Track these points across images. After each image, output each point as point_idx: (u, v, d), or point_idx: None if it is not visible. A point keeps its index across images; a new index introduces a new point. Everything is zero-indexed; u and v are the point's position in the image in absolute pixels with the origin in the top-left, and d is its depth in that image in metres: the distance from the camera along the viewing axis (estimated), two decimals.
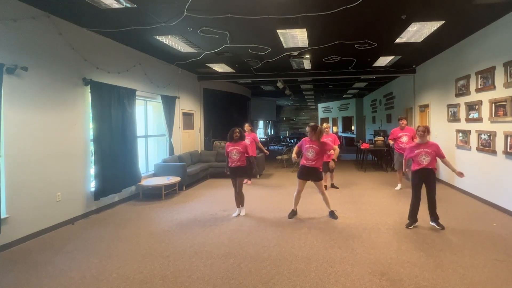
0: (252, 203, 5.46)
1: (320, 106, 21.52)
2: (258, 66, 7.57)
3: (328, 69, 8.14)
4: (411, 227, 4.05)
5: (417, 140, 4.13)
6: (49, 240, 3.85)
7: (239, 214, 4.70)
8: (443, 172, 6.82)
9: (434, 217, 4.02)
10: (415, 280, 2.73)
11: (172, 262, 3.16)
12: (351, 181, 7.32)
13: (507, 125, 4.48)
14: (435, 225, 4.01)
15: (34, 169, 3.92)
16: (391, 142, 6.48)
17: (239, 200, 4.75)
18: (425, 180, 3.99)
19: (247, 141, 6.88)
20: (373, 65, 7.77)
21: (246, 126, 7.18)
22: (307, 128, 4.44)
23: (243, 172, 4.73)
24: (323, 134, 4.57)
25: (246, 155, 4.72)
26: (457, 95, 6.01)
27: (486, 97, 4.99)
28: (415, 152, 3.97)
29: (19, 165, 3.73)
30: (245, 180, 7.00)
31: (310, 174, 4.42)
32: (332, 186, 6.26)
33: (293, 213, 4.60)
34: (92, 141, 4.85)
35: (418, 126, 4.10)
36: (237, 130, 4.71)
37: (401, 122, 6.28)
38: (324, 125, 6.46)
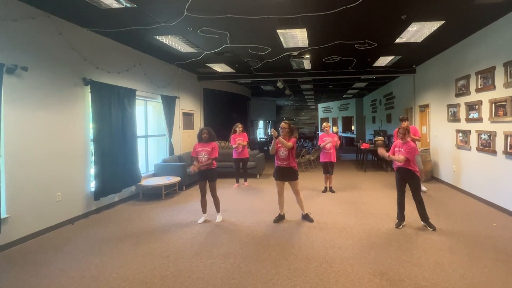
0: (252, 203, 5.46)
1: (320, 106, 21.51)
2: (258, 66, 7.57)
3: (328, 69, 8.14)
4: (400, 227, 4.05)
5: (399, 139, 4.12)
6: (49, 240, 3.85)
7: (205, 220, 4.44)
8: (443, 172, 6.83)
9: (421, 216, 4.02)
10: (415, 280, 2.73)
11: (172, 262, 3.16)
12: (351, 181, 7.31)
13: (507, 125, 4.48)
14: (426, 225, 4.00)
15: (34, 169, 3.92)
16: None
17: (216, 204, 4.49)
18: (404, 179, 4.05)
19: (240, 141, 6.84)
20: (373, 65, 7.77)
21: (239, 127, 6.93)
22: (283, 125, 4.27)
23: (213, 175, 4.44)
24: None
25: (210, 156, 4.36)
26: (457, 95, 6.01)
27: (486, 97, 4.99)
28: (395, 150, 4.09)
29: (19, 165, 3.73)
30: (244, 183, 6.98)
31: (285, 174, 4.28)
32: (330, 189, 6.20)
33: (280, 218, 4.41)
34: (92, 141, 4.85)
35: (399, 128, 4.13)
36: (205, 130, 4.43)
37: (403, 123, 5.77)
38: (324, 124, 6.42)
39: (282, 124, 4.30)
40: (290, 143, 4.13)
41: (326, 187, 6.24)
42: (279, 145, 4.22)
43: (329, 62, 7.29)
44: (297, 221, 4.41)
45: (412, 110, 8.81)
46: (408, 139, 4.08)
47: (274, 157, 4.36)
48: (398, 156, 4.01)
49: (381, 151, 4.17)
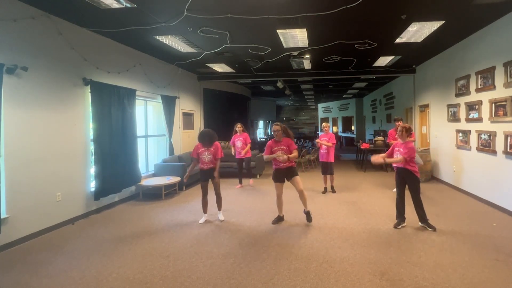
0: (252, 202, 5.46)
1: (320, 106, 21.51)
2: (258, 66, 7.58)
3: (328, 69, 8.14)
4: (399, 227, 4.03)
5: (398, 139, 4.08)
6: (49, 240, 3.85)
7: (206, 220, 4.44)
8: (444, 172, 6.83)
9: (420, 218, 3.99)
10: (415, 280, 2.73)
11: (172, 262, 3.16)
12: (351, 181, 7.31)
13: (507, 125, 4.48)
14: (425, 226, 3.96)
15: (34, 169, 3.92)
16: (392, 142, 6.29)
17: (218, 203, 4.52)
18: (404, 180, 4.02)
19: (238, 142, 6.83)
20: (373, 65, 7.77)
21: (238, 127, 6.92)
22: (275, 127, 4.17)
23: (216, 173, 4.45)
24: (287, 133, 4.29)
25: (216, 157, 4.41)
26: (457, 95, 6.01)
27: (486, 97, 4.99)
28: (395, 150, 4.05)
29: (19, 165, 3.72)
30: (249, 181, 6.99)
31: (287, 174, 4.19)
32: (332, 189, 6.18)
33: (279, 219, 4.36)
34: (92, 141, 4.85)
35: (399, 126, 4.12)
36: (205, 133, 4.41)
37: (397, 124, 6.03)
38: (324, 124, 6.42)
39: (274, 127, 4.20)
40: (295, 154, 4.08)
41: (325, 188, 6.23)
42: (275, 148, 4.14)
43: (329, 62, 7.29)
44: (296, 221, 4.40)
45: (412, 110, 8.81)
46: (408, 139, 4.03)
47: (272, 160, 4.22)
48: (396, 157, 3.98)
49: (375, 159, 4.13)
